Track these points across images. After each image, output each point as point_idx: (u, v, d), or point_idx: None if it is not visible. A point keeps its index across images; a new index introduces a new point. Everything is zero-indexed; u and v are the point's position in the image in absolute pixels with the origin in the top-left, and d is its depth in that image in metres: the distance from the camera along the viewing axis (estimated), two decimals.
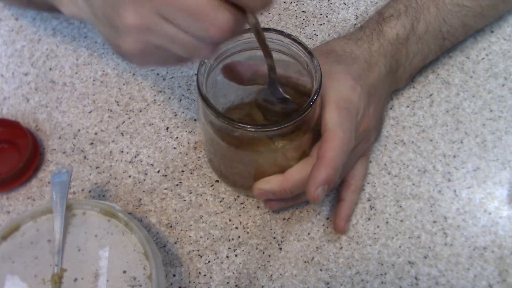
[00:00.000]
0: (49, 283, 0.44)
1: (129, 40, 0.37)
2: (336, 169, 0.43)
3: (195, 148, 0.55)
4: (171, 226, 0.51)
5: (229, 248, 0.50)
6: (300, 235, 0.51)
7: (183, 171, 0.54)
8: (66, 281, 0.44)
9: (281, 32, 0.44)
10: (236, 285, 0.49)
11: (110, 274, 0.44)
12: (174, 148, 0.56)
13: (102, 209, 0.47)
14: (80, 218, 0.47)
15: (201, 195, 0.53)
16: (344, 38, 0.53)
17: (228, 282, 0.49)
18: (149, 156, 0.55)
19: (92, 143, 0.56)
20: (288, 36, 0.44)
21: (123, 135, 0.56)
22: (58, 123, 0.57)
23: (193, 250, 0.50)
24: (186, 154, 0.55)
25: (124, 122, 0.57)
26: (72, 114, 0.58)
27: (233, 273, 0.49)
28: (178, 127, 0.57)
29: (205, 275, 0.49)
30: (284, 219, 0.52)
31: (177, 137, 0.56)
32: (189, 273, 0.49)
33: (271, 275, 0.49)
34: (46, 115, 0.58)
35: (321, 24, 0.63)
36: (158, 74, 0.60)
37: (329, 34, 0.62)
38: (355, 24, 0.62)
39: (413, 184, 0.53)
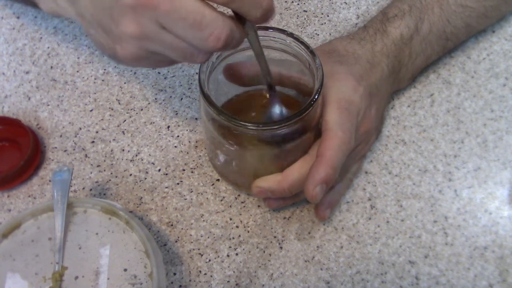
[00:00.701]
0: (50, 281, 0.44)
1: (127, 46, 0.37)
2: (335, 168, 0.43)
3: (196, 147, 0.55)
4: (171, 225, 0.51)
5: (230, 247, 0.50)
6: (300, 234, 0.51)
7: (184, 170, 0.54)
8: (66, 279, 0.44)
9: (283, 31, 0.44)
10: (236, 284, 0.49)
11: (110, 272, 0.44)
12: (175, 146, 0.56)
13: (103, 207, 0.47)
14: (81, 216, 0.47)
15: (202, 194, 0.53)
16: (347, 37, 0.53)
17: (228, 281, 0.49)
18: (150, 155, 0.55)
19: (93, 142, 0.56)
20: (291, 35, 0.44)
21: (124, 134, 0.56)
22: (59, 121, 0.57)
23: (193, 249, 0.50)
24: (187, 153, 0.55)
25: (125, 120, 0.57)
26: (73, 112, 0.58)
27: (234, 271, 0.49)
28: (179, 125, 0.57)
29: (205, 274, 0.49)
30: (284, 218, 0.52)
31: (178, 136, 0.56)
32: (190, 271, 0.49)
33: (272, 274, 0.49)
34: (47, 113, 0.58)
35: (322, 24, 0.63)
36: (159, 73, 0.60)
37: (330, 34, 0.62)
38: (356, 24, 0.62)
39: (414, 184, 0.53)
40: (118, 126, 0.57)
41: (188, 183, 0.53)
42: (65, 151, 0.56)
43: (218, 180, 0.54)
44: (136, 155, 0.55)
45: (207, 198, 0.53)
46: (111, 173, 0.54)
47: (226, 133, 0.44)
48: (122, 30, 0.36)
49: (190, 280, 0.49)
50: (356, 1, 0.64)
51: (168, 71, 0.60)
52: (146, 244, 0.45)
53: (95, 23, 0.38)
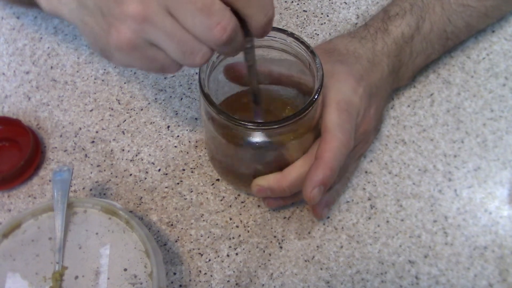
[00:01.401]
0: (50, 280, 0.44)
1: (124, 29, 0.35)
2: (334, 170, 0.43)
3: (196, 146, 0.55)
4: (171, 225, 0.51)
5: (230, 247, 0.50)
6: (300, 234, 0.51)
7: (184, 170, 0.54)
8: (67, 279, 0.44)
9: (283, 31, 0.44)
10: (236, 284, 0.49)
11: (111, 272, 0.44)
12: (175, 146, 0.56)
13: (103, 207, 0.47)
14: (81, 216, 0.47)
15: (202, 193, 0.53)
16: (347, 36, 0.53)
17: (228, 281, 0.49)
18: (150, 155, 0.55)
19: (93, 142, 0.56)
20: (291, 35, 0.44)
21: (124, 134, 0.56)
22: (59, 121, 0.57)
23: (193, 249, 0.50)
24: (187, 152, 0.55)
25: (125, 120, 0.57)
26: (73, 112, 0.58)
27: (234, 271, 0.49)
28: (179, 125, 0.57)
29: (205, 274, 0.49)
30: (284, 217, 0.52)
31: (178, 136, 0.56)
32: (190, 271, 0.49)
33: (272, 274, 0.49)
34: (47, 113, 0.58)
35: (322, 24, 0.63)
36: None
37: (330, 34, 0.62)
38: (356, 24, 0.62)
39: (414, 184, 0.53)
40: (118, 126, 0.57)
41: (188, 183, 0.53)
42: (65, 151, 0.56)
43: (218, 180, 0.54)
44: (136, 155, 0.55)
45: (207, 198, 0.53)
46: (111, 173, 0.54)
47: (226, 133, 0.44)
48: (124, 9, 0.34)
49: (190, 280, 0.49)
50: (356, 1, 0.64)
51: None
52: (146, 244, 0.45)
53: (95, 8, 0.37)
